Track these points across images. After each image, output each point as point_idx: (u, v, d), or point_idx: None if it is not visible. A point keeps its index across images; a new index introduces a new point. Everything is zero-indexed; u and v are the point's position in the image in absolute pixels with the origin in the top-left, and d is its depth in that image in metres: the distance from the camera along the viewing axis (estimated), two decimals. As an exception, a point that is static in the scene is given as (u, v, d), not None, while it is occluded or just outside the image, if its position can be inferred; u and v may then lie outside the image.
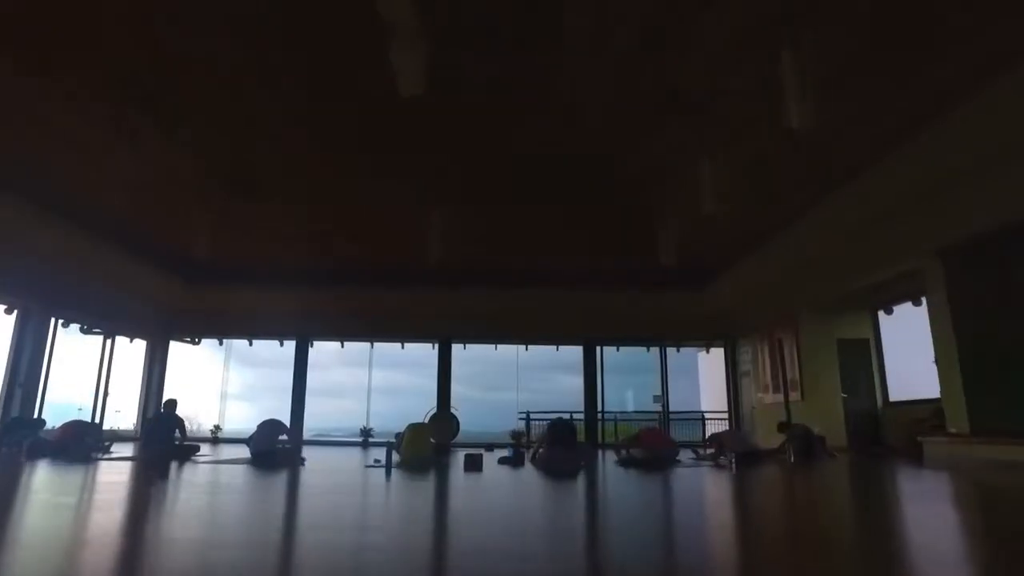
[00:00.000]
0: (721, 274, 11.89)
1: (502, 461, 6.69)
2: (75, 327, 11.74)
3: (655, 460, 6.77)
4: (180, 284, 11.96)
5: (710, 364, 16.39)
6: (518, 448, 6.89)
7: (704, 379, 16.90)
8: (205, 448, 8.91)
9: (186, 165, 9.64)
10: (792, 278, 10.02)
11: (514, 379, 14.20)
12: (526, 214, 11.15)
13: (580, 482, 4.97)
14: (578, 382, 13.06)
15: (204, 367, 15.60)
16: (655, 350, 13.96)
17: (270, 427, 6.64)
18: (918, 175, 6.76)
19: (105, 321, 11.29)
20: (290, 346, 13.02)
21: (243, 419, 16.28)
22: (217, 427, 12.14)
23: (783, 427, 8.00)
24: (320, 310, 12.33)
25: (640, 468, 6.33)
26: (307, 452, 10.19)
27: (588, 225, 11.40)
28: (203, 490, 3.91)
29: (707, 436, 9.80)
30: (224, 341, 13.83)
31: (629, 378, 14.81)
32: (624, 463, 6.72)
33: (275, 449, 6.44)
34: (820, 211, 8.46)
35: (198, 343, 13.86)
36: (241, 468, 5.65)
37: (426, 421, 11.73)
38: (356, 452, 9.84)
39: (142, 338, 12.38)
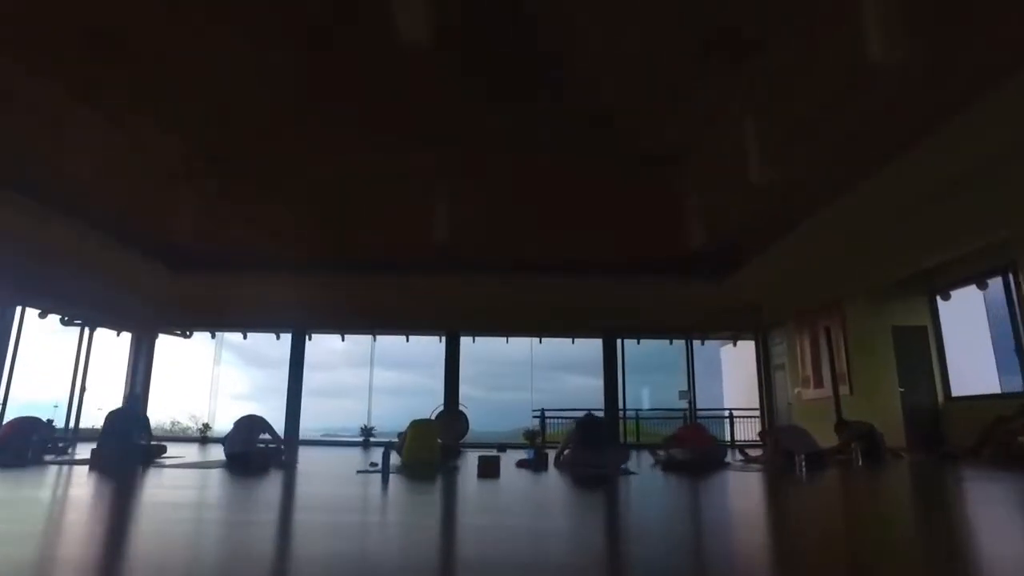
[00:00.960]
0: (752, 259, 10.82)
1: (521, 464, 5.67)
2: (55, 318, 10.82)
3: (700, 462, 5.73)
4: (166, 272, 11.00)
5: (735, 358, 15.31)
6: (539, 449, 5.84)
7: (728, 374, 15.83)
8: (181, 450, 7.94)
9: (165, 140, 8.69)
10: (839, 259, 8.95)
11: (522, 379, 13.23)
12: (539, 191, 10.12)
13: (620, 491, 3.93)
14: (588, 382, 12.06)
15: (199, 363, 14.68)
16: (679, 343, 12.91)
17: (247, 425, 5.66)
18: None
19: (85, 312, 10.34)
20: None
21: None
22: (206, 426, 11.18)
23: (841, 426, 6.94)
24: (318, 300, 11.34)
25: (683, 472, 5.30)
26: (302, 452, 9.21)
27: (610, 204, 10.35)
28: (128, 507, 2.90)
29: (758, 433, 8.70)
30: (216, 335, 12.86)
31: (650, 374, 13.76)
32: (665, 466, 5.67)
33: (251, 451, 5.43)
34: (885, 176, 7.38)
35: (189, 336, 12.91)
36: (206, 473, 4.64)
37: (432, 419, 10.73)
38: (355, 453, 8.83)
39: (127, 330, 11.43)
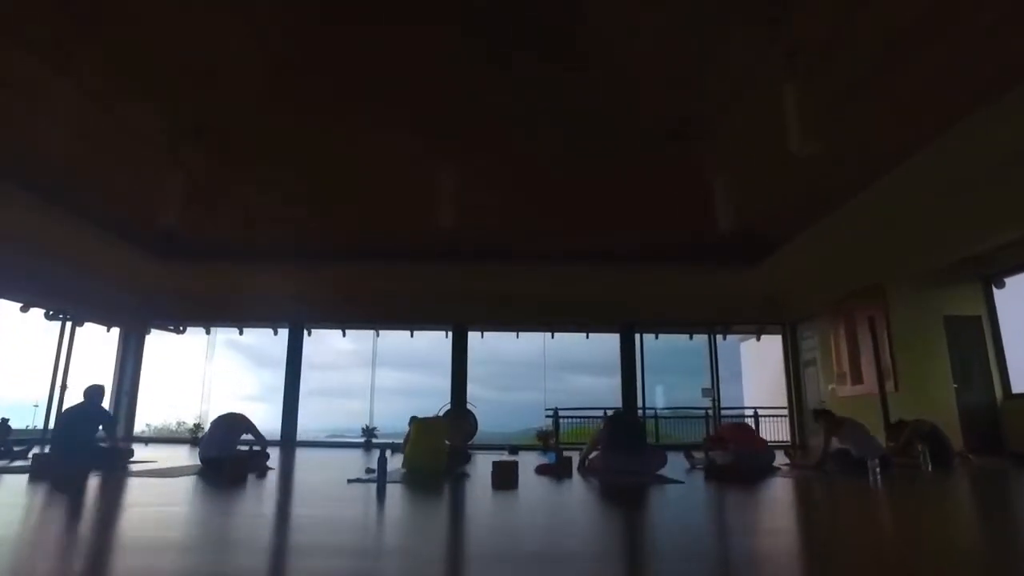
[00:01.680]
0: (784, 245, 9.97)
1: (543, 471, 4.86)
2: (39, 313, 10.08)
3: (747, 467, 4.90)
4: (155, 261, 10.23)
5: (757, 354, 14.46)
6: (560, 452, 5.03)
7: (748, 371, 14.97)
8: (163, 452, 7.17)
9: (144, 114, 7.94)
10: (881, 244, 8.13)
11: (528, 379, 12.41)
12: (554, 172, 9.31)
13: (670, 506, 3.13)
14: (597, 382, 11.26)
15: (198, 360, 13.93)
16: (699, 339, 12.07)
17: (225, 425, 4.88)
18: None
19: (69, 305, 9.60)
20: (309, 342, 11.25)
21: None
22: (197, 426, 10.41)
23: (899, 426, 6.11)
24: (316, 291, 10.57)
25: (730, 478, 4.48)
26: (298, 455, 8.42)
27: (630, 187, 9.53)
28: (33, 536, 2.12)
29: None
30: (210, 330, 12.09)
31: (668, 372, 12.92)
32: (708, 472, 4.84)
33: (229, 455, 4.64)
34: (936, 150, 6.54)
35: (183, 332, 12.15)
36: (169, 484, 3.85)
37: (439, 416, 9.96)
38: (354, 455, 8.05)
39: (116, 325, 10.68)
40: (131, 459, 5.23)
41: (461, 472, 5.06)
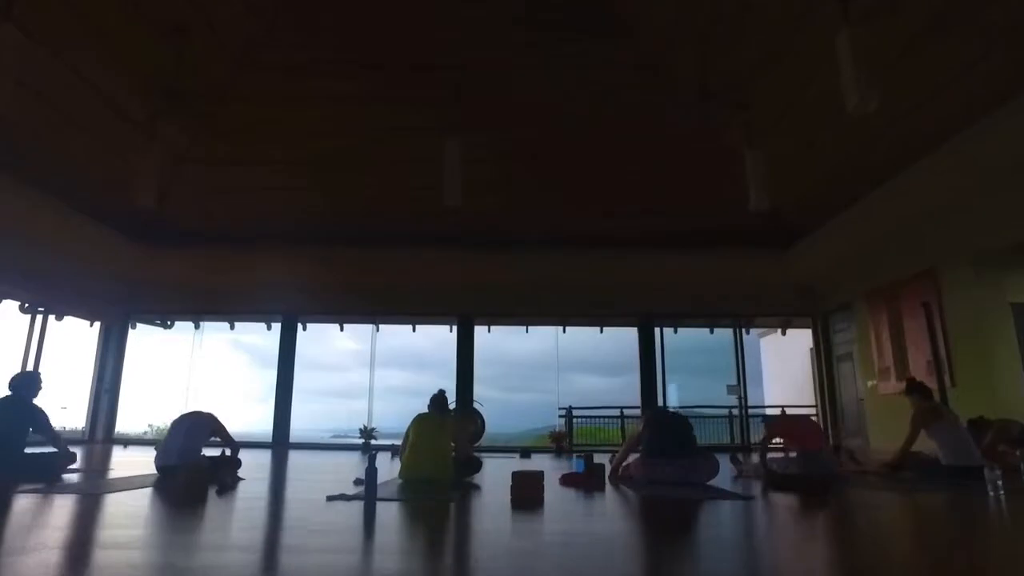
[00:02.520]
0: (815, 228, 9.08)
1: (568, 481, 3.97)
2: (12, 305, 9.22)
3: (817, 476, 4.00)
4: (136, 248, 9.38)
5: (779, 350, 13.55)
6: (588, 457, 4.13)
7: (769, 367, 14.04)
8: (127, 456, 6.29)
9: (115, 76, 7.10)
10: (935, 223, 7.22)
11: (533, 379, 11.65)
12: (571, 148, 8.44)
13: (744, 533, 2.24)
14: (606, 383, 10.33)
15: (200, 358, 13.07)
16: (720, 333, 11.17)
17: (187, 427, 3.99)
18: None
19: (43, 296, 8.74)
20: (313, 342, 10.36)
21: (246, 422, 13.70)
22: (183, 427, 9.54)
23: (981, 426, 5.19)
24: (310, 279, 9.69)
25: (798, 490, 3.59)
26: (302, 455, 7.55)
27: (653, 165, 8.65)
28: None
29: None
30: (200, 324, 11.22)
31: (686, 369, 12.01)
32: (772, 482, 3.93)
33: (190, 462, 3.76)
34: (1013, 111, 5.63)
35: (170, 326, 11.29)
36: (100, 504, 2.98)
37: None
38: (350, 459, 7.17)
39: (96, 319, 9.82)
40: (70, 467, 4.34)
41: (469, 482, 4.17)
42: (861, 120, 6.67)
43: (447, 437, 4.19)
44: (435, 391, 4.49)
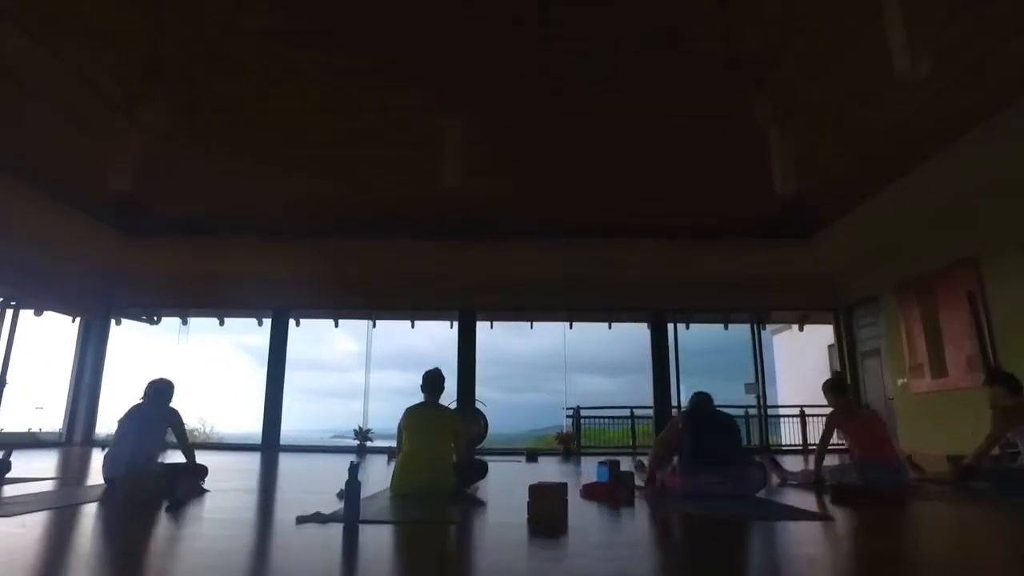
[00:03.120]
0: (838, 215, 8.46)
1: (591, 494, 3.31)
2: None
3: (886, 488, 3.35)
4: (118, 238, 8.74)
5: (791, 347, 12.90)
6: (615, 466, 3.46)
7: (782, 365, 13.39)
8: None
9: (88, 50, 6.45)
10: (977, 205, 6.60)
11: (534, 380, 10.99)
12: (578, 130, 7.78)
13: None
14: (608, 383, 9.67)
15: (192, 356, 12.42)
16: (736, 328, 10.53)
17: (137, 427, 3.34)
18: None
19: (15, 289, 8.09)
20: (315, 342, 9.71)
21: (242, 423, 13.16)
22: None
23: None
24: (303, 272, 9.04)
25: (866, 505, 2.94)
26: (290, 459, 6.90)
27: (665, 143, 7.96)
28: None
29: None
30: (188, 320, 10.56)
31: (701, 365, 11.34)
32: (837, 496, 3.26)
33: (143, 472, 3.10)
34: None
35: (157, 322, 10.63)
36: (7, 532, 2.32)
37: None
38: (342, 463, 6.51)
39: (76, 313, 9.17)
40: (5, 476, 3.68)
41: (474, 495, 3.52)
42: (898, 94, 6.07)
43: (447, 436, 3.51)
44: (431, 370, 3.69)
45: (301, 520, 2.46)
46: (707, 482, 3.09)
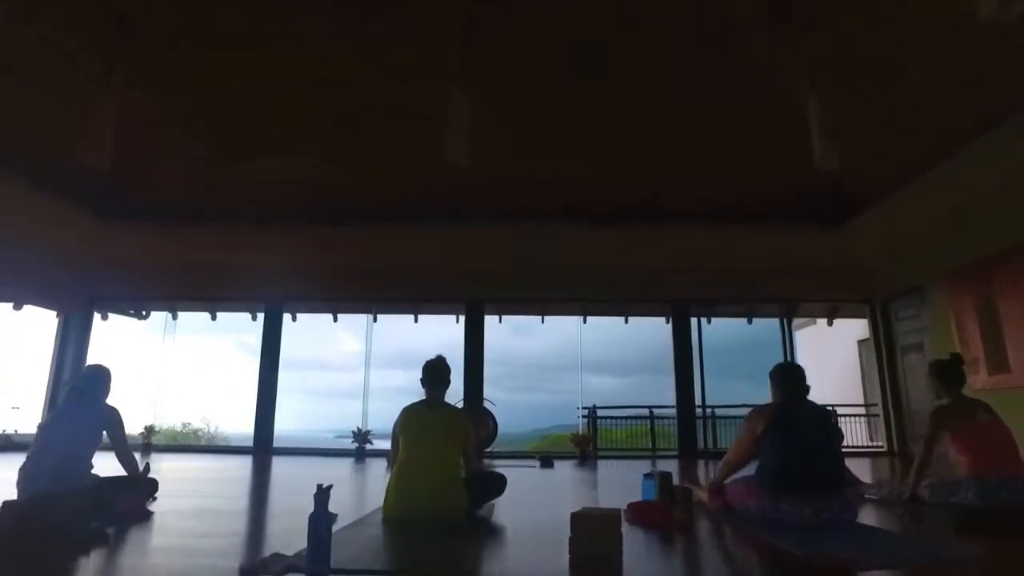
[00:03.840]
0: (878, 198, 7.69)
1: (638, 517, 2.55)
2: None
3: (1014, 507, 2.58)
4: (98, 223, 8.03)
5: (817, 341, 12.10)
6: (666, 480, 2.70)
7: (805, 363, 12.54)
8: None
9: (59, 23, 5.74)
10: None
11: (535, 380, 10.20)
12: (597, 100, 7.02)
13: None
14: (609, 383, 8.87)
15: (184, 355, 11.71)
16: (760, 322, 9.77)
17: (63, 431, 2.61)
18: None
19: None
20: (319, 342, 8.97)
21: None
22: (150, 429, 8.16)
23: None
24: (298, 262, 8.31)
25: (991, 532, 2.18)
26: (279, 464, 6.18)
27: (688, 113, 7.19)
28: None
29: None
30: (177, 314, 9.85)
31: (723, 362, 10.57)
32: (962, 523, 2.48)
33: (56, 488, 2.37)
34: None
35: (146, 316, 9.92)
36: None
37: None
38: (337, 469, 5.78)
39: (54, 306, 8.46)
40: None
41: (487, 517, 2.77)
42: (958, 55, 5.32)
43: (454, 443, 2.76)
44: (433, 359, 2.95)
45: (245, 574, 1.70)
46: (796, 510, 2.33)
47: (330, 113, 7.15)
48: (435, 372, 2.87)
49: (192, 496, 3.68)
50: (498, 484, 2.95)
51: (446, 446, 2.70)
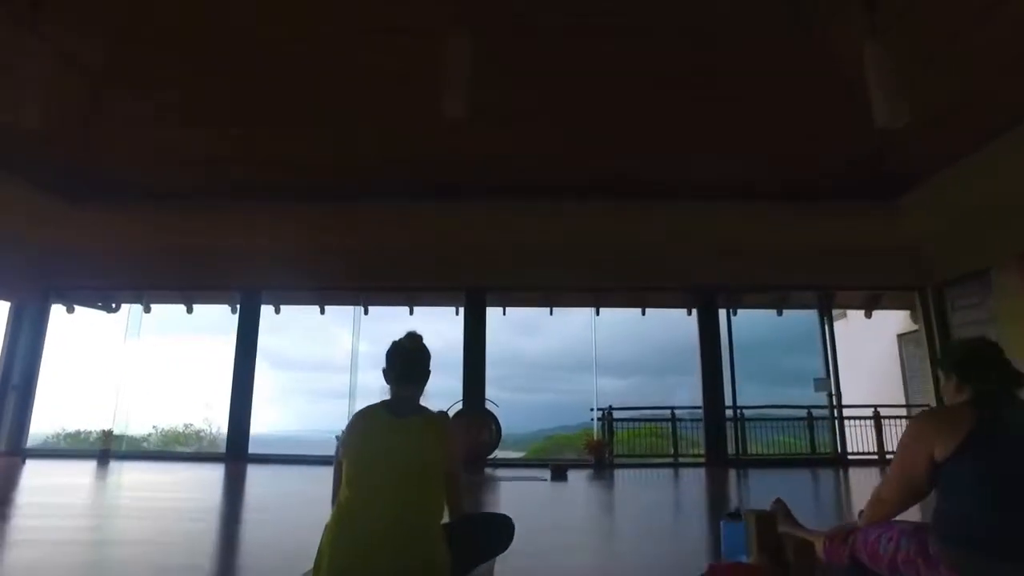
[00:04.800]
0: (935, 170, 6.68)
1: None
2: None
3: None
4: (52, 203, 7.08)
5: (849, 336, 11.01)
6: (765, 523, 1.67)
7: (842, 358, 11.45)
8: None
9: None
10: None
11: (540, 380, 9.21)
12: (613, 59, 6.02)
13: None
14: (615, 384, 7.85)
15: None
16: (792, 314, 8.76)
17: None
18: None
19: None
20: (329, 343, 7.99)
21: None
22: (108, 433, 7.17)
23: None
24: (277, 245, 7.32)
25: None
26: (269, 473, 5.22)
27: (718, 82, 6.21)
28: None
29: None
30: (150, 307, 8.87)
31: (751, 359, 9.51)
32: None
33: None
34: None
35: (116, 309, 8.96)
36: None
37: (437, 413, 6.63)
38: (313, 482, 4.80)
39: (5, 296, 7.50)
40: None
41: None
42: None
43: (431, 472, 1.74)
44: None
45: None
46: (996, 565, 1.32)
47: (306, 70, 6.17)
48: (406, 359, 1.86)
49: (86, 528, 2.70)
50: (499, 534, 1.91)
51: (418, 477, 1.69)
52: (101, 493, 4.62)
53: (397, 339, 1.94)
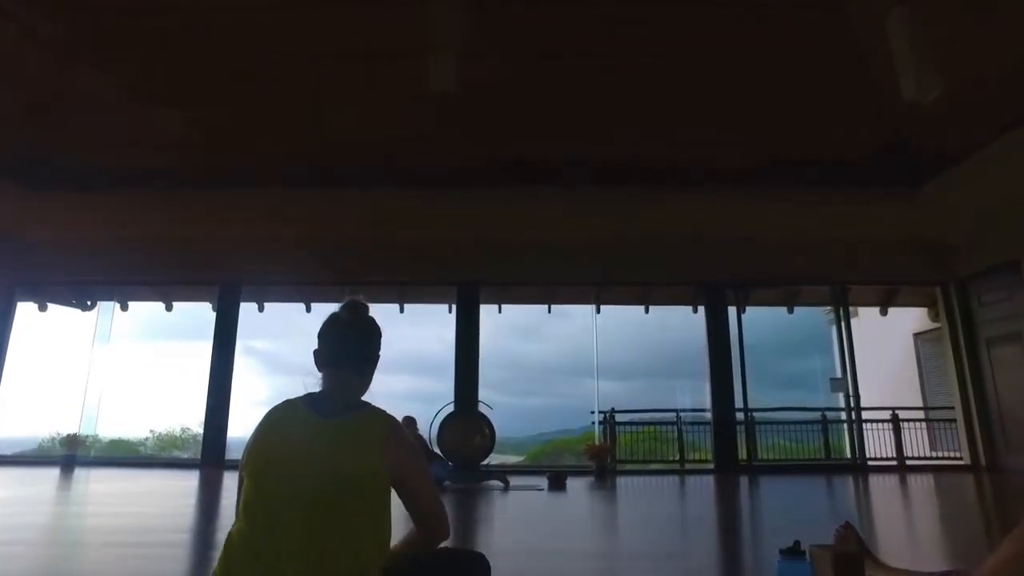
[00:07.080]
0: (961, 156, 6.14)
1: None
2: None
3: None
4: (10, 190, 6.55)
5: (861, 335, 10.45)
6: (850, 565, 1.14)
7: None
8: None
9: None
10: None
11: (539, 384, 8.69)
12: (613, 34, 5.48)
13: None
14: (614, 387, 7.32)
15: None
16: (805, 311, 8.24)
17: None
18: None
19: None
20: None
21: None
22: (72, 437, 6.62)
23: None
24: (255, 236, 6.80)
25: None
26: (205, 488, 4.64)
27: (727, 59, 5.66)
28: None
29: None
30: (127, 304, 8.33)
31: (761, 360, 8.99)
32: None
33: None
34: None
35: (91, 307, 8.43)
36: None
37: (429, 430, 6.07)
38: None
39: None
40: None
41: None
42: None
43: (370, 496, 1.14)
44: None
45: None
46: None
47: (282, 47, 5.64)
48: (342, 335, 1.33)
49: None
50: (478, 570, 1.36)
51: (347, 504, 1.13)
52: (34, 507, 4.07)
53: (334, 311, 1.40)
